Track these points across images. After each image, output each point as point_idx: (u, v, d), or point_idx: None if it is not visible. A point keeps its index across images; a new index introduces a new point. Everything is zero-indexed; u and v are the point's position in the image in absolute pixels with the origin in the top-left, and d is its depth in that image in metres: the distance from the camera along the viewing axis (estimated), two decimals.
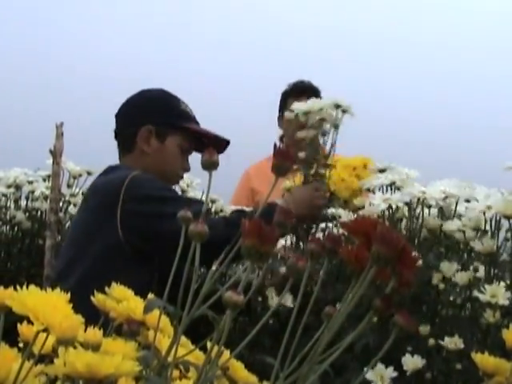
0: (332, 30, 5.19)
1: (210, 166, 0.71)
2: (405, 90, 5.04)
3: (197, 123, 2.01)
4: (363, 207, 1.86)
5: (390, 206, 1.75)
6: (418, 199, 1.72)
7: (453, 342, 1.32)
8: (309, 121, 1.93)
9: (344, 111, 1.96)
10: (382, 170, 1.95)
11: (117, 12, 5.30)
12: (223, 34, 5.22)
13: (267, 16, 5.28)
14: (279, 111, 2.97)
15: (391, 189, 1.84)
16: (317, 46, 5.14)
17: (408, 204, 1.73)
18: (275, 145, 0.68)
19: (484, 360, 0.97)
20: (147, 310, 0.71)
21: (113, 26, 5.12)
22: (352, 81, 4.90)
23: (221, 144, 1.97)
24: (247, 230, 0.58)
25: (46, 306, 0.63)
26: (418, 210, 1.72)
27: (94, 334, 0.70)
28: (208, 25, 5.25)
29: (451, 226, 1.63)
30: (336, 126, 1.94)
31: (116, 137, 1.98)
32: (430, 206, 1.72)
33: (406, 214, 1.75)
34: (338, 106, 1.94)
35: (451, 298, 1.51)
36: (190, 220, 0.66)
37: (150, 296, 0.87)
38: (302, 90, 2.91)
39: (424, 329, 1.40)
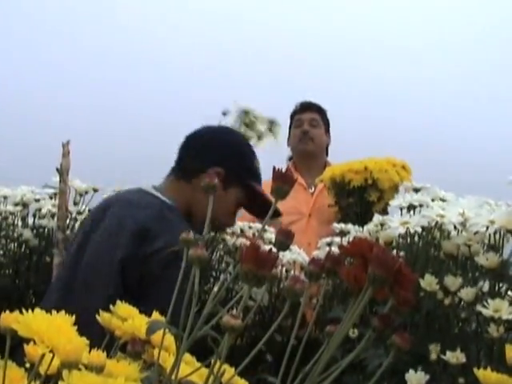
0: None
1: (209, 189, 0.73)
2: None
3: (260, 183, 1.96)
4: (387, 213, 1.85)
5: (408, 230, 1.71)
6: (436, 223, 1.67)
7: (455, 357, 1.32)
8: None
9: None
10: (416, 190, 1.93)
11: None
12: None
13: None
14: (288, 132, 3.11)
15: (409, 211, 1.81)
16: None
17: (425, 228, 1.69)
18: (274, 167, 0.70)
19: (487, 376, 0.98)
20: (150, 331, 0.72)
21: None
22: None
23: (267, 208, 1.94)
24: (245, 255, 0.60)
25: (50, 329, 0.64)
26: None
27: (98, 355, 0.71)
28: None
29: (458, 239, 1.63)
30: None
31: (177, 163, 1.92)
32: (449, 233, 1.69)
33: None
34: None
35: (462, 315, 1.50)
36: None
37: None
38: (308, 107, 3.08)
39: (435, 348, 1.39)
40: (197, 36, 5.29)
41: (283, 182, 0.69)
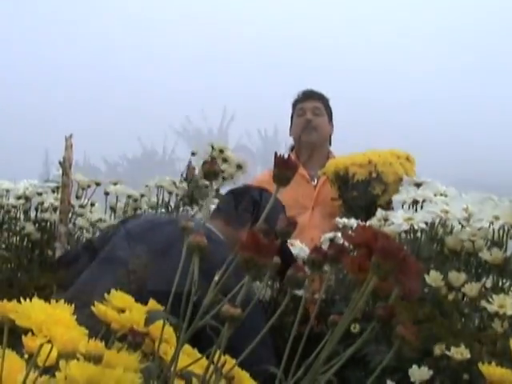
0: None
1: (210, 175, 0.71)
2: None
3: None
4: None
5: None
6: (440, 219, 1.68)
7: (459, 352, 1.30)
8: None
9: None
10: (417, 184, 1.91)
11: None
12: None
13: None
14: (290, 121, 3.07)
15: (413, 206, 1.81)
16: None
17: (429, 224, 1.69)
18: (276, 153, 0.68)
19: (491, 370, 0.97)
20: (149, 322, 0.71)
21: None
22: None
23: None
24: (244, 242, 0.58)
25: (48, 319, 0.63)
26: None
27: (96, 345, 0.69)
28: None
29: (462, 235, 1.61)
30: None
31: (221, 209, 1.92)
32: (452, 229, 1.68)
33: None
34: None
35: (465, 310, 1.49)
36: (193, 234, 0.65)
37: None
38: (310, 95, 3.02)
39: (440, 346, 1.38)
40: (196, 30, 5.29)
41: (285, 168, 0.67)
